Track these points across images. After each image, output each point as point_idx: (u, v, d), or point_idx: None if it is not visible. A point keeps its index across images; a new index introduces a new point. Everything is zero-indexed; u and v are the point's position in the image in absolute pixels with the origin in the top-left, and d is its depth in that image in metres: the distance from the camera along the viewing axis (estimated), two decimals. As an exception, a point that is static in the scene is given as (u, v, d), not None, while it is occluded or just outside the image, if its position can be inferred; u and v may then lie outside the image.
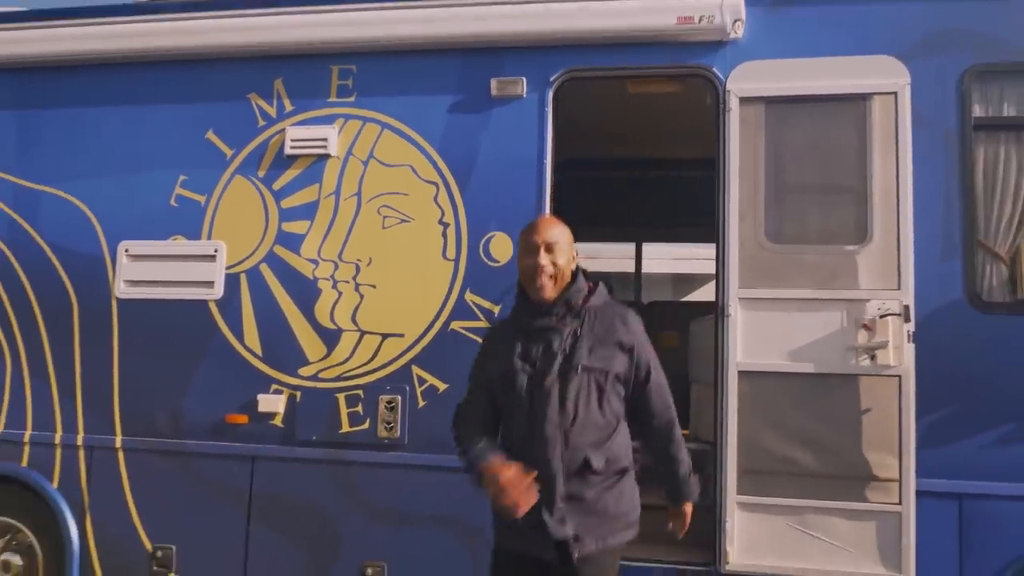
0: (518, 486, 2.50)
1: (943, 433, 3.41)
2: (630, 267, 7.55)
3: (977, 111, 3.56)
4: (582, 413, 2.61)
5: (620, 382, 2.68)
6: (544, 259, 2.69)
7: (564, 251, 2.73)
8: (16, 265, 4.26)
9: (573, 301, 2.72)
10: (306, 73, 4.07)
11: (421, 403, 3.80)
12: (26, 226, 4.27)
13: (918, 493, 3.35)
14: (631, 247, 7.39)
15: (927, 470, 3.37)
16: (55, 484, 4.11)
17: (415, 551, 3.75)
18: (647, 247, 7.59)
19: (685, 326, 5.32)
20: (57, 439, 4.13)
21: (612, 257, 8.91)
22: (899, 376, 3.36)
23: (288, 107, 4.07)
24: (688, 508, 2.87)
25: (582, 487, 2.62)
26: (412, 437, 3.79)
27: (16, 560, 4.28)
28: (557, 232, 2.74)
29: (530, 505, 2.50)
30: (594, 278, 2.79)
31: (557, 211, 3.74)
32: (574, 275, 2.77)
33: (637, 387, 2.71)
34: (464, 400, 2.87)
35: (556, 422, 2.60)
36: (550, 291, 2.70)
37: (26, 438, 4.17)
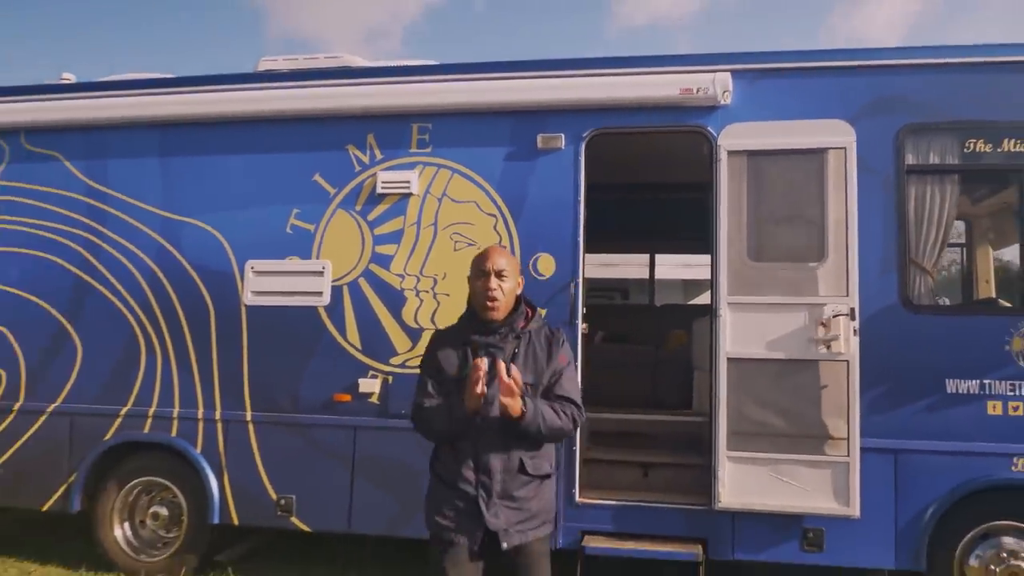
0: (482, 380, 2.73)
1: (881, 404, 4.51)
2: (645, 274, 8.67)
3: (909, 159, 4.65)
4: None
5: (544, 403, 2.91)
6: (494, 283, 2.93)
7: (510, 278, 2.98)
8: (164, 281, 5.40)
9: (515, 324, 2.99)
10: (392, 129, 5.20)
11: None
12: (172, 250, 5.42)
13: (862, 449, 4.43)
14: (646, 257, 8.51)
15: (869, 431, 4.47)
16: (198, 449, 5.26)
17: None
18: (659, 257, 8.71)
19: (691, 325, 6.43)
20: (199, 414, 5.28)
21: (630, 265, 10.01)
22: (847, 361, 4.46)
23: (379, 156, 5.21)
24: (518, 413, 2.80)
25: (515, 486, 2.88)
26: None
27: (163, 511, 5.44)
28: (505, 261, 2.99)
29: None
30: (531, 303, 3.10)
31: (587, 229, 4.88)
32: (517, 301, 3.04)
33: (548, 391, 2.96)
34: (418, 402, 3.05)
35: (499, 429, 2.85)
36: (498, 313, 2.96)
37: (174, 414, 5.31)
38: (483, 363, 2.77)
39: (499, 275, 2.96)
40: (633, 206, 7.15)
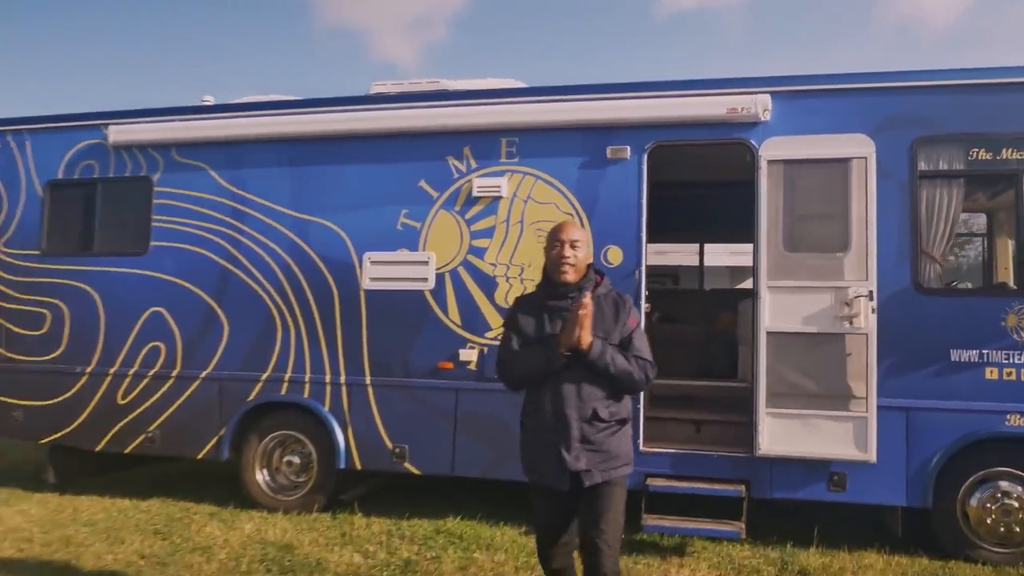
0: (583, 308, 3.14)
1: (894, 369, 5.42)
2: (695, 262, 9.62)
3: (922, 166, 5.52)
4: (594, 376, 3.24)
5: (616, 350, 3.27)
6: (568, 252, 3.28)
7: (583, 248, 3.32)
8: (296, 269, 6.53)
9: (585, 288, 3.29)
10: (485, 143, 6.22)
11: (564, 354, 5.95)
12: (301, 244, 6.54)
13: (878, 407, 5.36)
14: (695, 246, 9.46)
15: (884, 392, 5.39)
16: (327, 408, 6.39)
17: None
18: (708, 246, 9.65)
19: (736, 306, 7.39)
20: (327, 379, 6.40)
21: (681, 253, 10.96)
22: (867, 334, 5.39)
23: (473, 165, 6.24)
24: (586, 343, 3.19)
25: (591, 432, 3.22)
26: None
27: (296, 460, 6.60)
28: (578, 233, 3.34)
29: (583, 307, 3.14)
30: (600, 271, 3.46)
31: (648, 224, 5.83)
32: (587, 269, 3.38)
33: (623, 348, 3.31)
34: (502, 351, 3.46)
35: (574, 381, 3.22)
36: (570, 276, 3.29)
37: (306, 379, 6.45)
38: (588, 301, 3.17)
39: (572, 244, 3.30)
40: (686, 202, 8.08)
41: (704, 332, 7.76)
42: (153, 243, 6.86)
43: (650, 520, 5.57)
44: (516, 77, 7.22)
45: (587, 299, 3.18)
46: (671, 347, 6.96)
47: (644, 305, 5.84)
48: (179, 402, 6.69)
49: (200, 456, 6.67)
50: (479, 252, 6.17)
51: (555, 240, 3.35)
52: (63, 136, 7.20)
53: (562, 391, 3.24)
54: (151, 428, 6.72)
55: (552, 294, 3.37)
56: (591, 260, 3.48)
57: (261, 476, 6.61)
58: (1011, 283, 5.54)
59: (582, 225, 5.94)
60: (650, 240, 6.03)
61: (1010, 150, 5.41)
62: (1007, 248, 5.97)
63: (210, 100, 7.15)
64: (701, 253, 9.31)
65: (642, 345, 3.35)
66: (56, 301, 7.02)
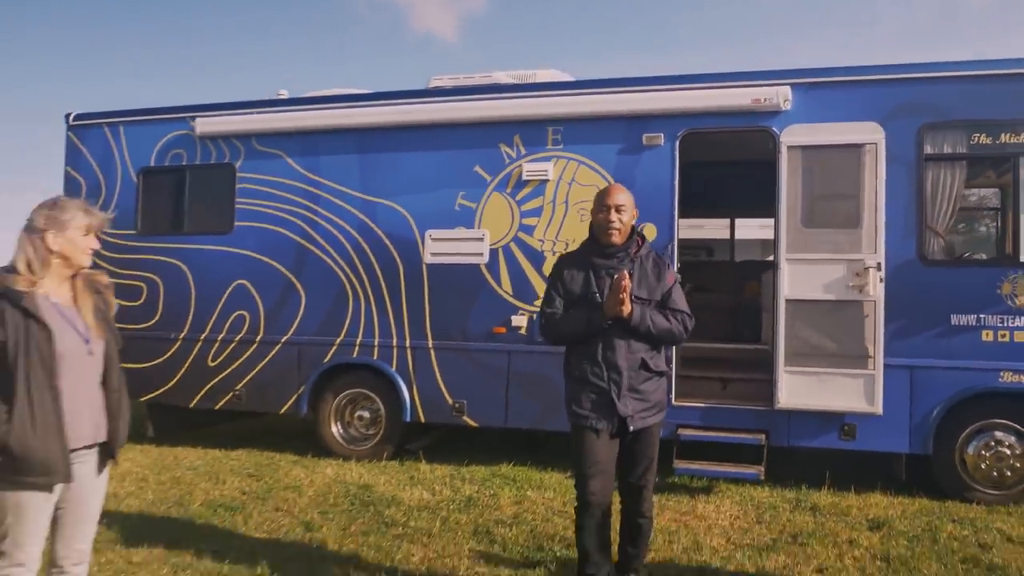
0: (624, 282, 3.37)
1: (900, 332, 6.09)
2: (727, 235, 10.28)
3: (927, 150, 6.14)
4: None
5: (658, 308, 3.56)
6: (614, 216, 3.47)
7: (628, 211, 3.50)
8: (365, 246, 7.34)
9: (631, 249, 3.52)
10: (533, 132, 6.96)
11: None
12: (369, 223, 7.35)
13: (885, 365, 6.05)
14: (727, 221, 10.12)
15: (891, 352, 6.07)
16: (394, 368, 7.23)
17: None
18: (741, 221, 10.31)
19: (761, 276, 8.08)
20: (394, 343, 7.23)
21: (714, 228, 11.59)
22: (875, 301, 6.05)
23: (523, 151, 6.99)
24: (627, 312, 3.46)
25: (638, 381, 3.50)
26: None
27: (366, 415, 7.46)
28: (624, 197, 3.52)
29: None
30: (642, 234, 3.70)
31: (680, 202, 6.53)
32: (631, 231, 3.58)
33: (663, 305, 3.61)
34: (546, 311, 3.71)
35: (623, 335, 3.46)
36: (616, 239, 3.50)
37: (375, 343, 7.29)
38: (626, 274, 3.42)
39: (618, 209, 3.51)
40: (716, 181, 8.73)
41: (733, 300, 8.45)
42: (237, 223, 7.73)
43: (681, 464, 6.35)
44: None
45: (625, 273, 3.44)
46: (702, 314, 7.51)
47: (677, 276, 6.54)
48: (262, 364, 7.58)
49: (282, 411, 7.57)
50: (528, 229, 6.93)
51: (602, 204, 3.58)
52: (154, 127, 8.09)
53: (614, 343, 3.50)
54: (238, 387, 7.63)
55: (600, 253, 3.61)
56: (634, 222, 3.70)
57: (336, 429, 7.49)
58: (1007, 254, 6.14)
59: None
60: (683, 216, 6.72)
61: (1008, 135, 6.02)
62: (1006, 223, 6.56)
63: (284, 94, 7.96)
64: (732, 227, 9.96)
65: (679, 298, 3.66)
66: (151, 275, 7.94)
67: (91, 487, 2.97)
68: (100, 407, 2.98)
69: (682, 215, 6.74)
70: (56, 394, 2.74)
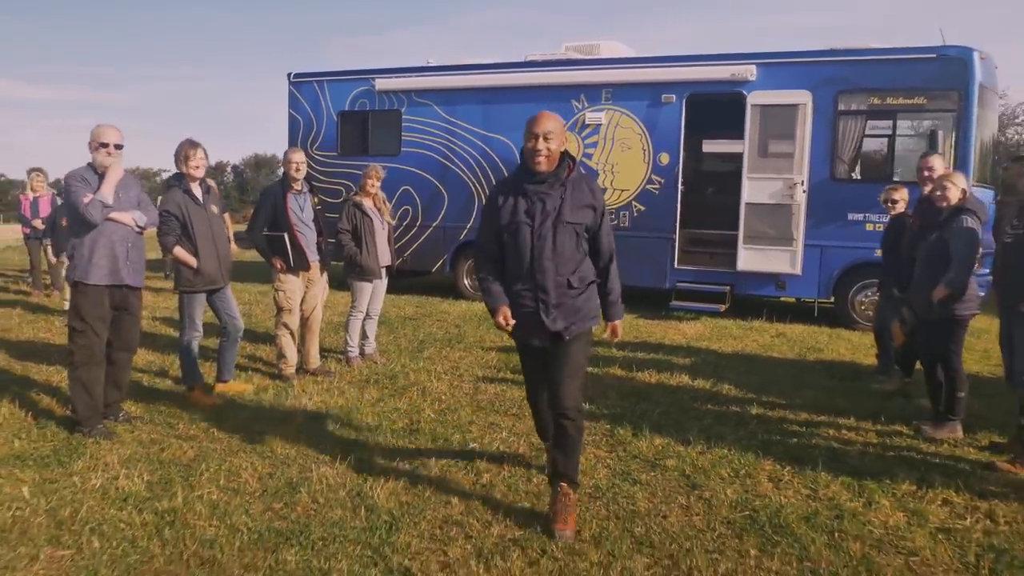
0: (508, 322, 3.49)
1: (815, 224, 9.74)
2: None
3: (840, 108, 9.62)
4: (568, 251, 3.48)
5: (587, 230, 3.52)
6: (541, 144, 3.40)
7: (556, 138, 3.42)
8: (484, 164, 11.43)
9: (560, 174, 3.46)
10: (593, 92, 10.75)
11: (636, 211, 10.65)
12: (488, 149, 11.40)
13: (804, 244, 9.77)
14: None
15: (809, 237, 9.76)
16: (503, 244, 11.38)
17: (632, 266, 10.73)
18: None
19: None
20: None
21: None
22: (800, 204, 9.75)
23: (586, 105, 10.81)
24: (617, 325, 3.71)
25: (566, 297, 3.52)
26: (633, 226, 10.67)
27: (486, 273, 11.71)
28: (552, 124, 3.44)
29: (510, 327, 3.49)
30: (573, 158, 3.61)
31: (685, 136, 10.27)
32: (561, 156, 3.49)
33: (594, 233, 3.54)
34: (479, 248, 3.72)
35: (551, 257, 3.46)
36: (544, 166, 3.43)
37: (492, 227, 11.44)
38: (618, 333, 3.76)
39: (546, 137, 3.40)
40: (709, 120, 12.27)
41: (725, 200, 12.15)
42: (403, 149, 11.96)
43: (674, 303, 10.36)
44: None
45: (500, 314, 3.51)
46: (705, 212, 11.50)
47: (681, 187, 10.37)
48: (421, 240, 11.93)
49: (433, 270, 11.95)
50: (588, 156, 10.83)
51: (531, 132, 3.44)
52: (347, 84, 12.32)
53: (542, 264, 3.47)
54: (406, 254, 12.01)
55: (530, 179, 3.49)
56: (564, 148, 3.57)
57: (467, 281, 11.80)
58: (886, 175, 9.59)
59: (644, 139, 10.50)
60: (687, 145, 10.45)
61: (891, 98, 9.44)
62: (886, 155, 9.90)
63: (432, 61, 11.98)
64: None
65: (609, 238, 3.63)
66: (347, 182, 12.28)
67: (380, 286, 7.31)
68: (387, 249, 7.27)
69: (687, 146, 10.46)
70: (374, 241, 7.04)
